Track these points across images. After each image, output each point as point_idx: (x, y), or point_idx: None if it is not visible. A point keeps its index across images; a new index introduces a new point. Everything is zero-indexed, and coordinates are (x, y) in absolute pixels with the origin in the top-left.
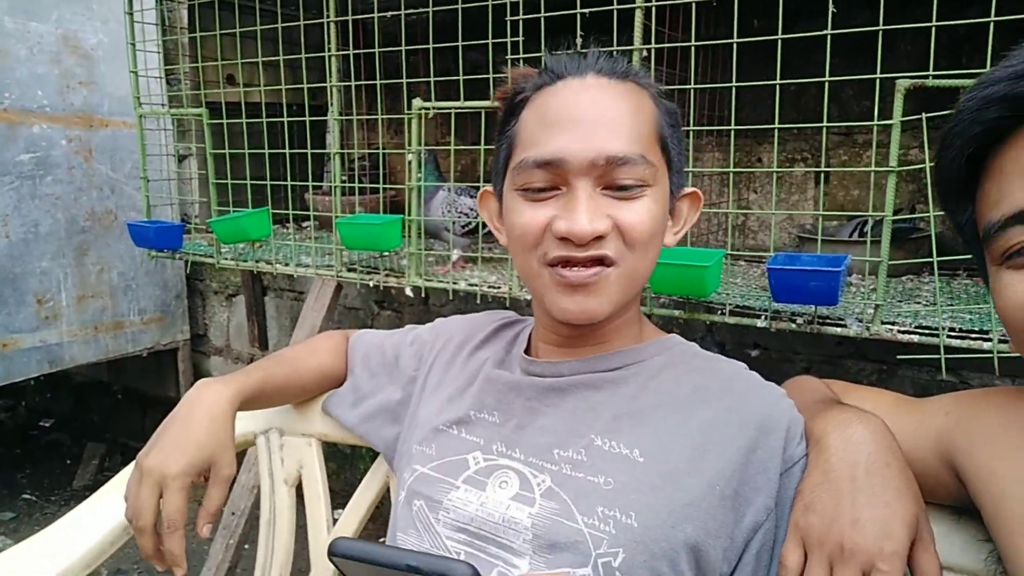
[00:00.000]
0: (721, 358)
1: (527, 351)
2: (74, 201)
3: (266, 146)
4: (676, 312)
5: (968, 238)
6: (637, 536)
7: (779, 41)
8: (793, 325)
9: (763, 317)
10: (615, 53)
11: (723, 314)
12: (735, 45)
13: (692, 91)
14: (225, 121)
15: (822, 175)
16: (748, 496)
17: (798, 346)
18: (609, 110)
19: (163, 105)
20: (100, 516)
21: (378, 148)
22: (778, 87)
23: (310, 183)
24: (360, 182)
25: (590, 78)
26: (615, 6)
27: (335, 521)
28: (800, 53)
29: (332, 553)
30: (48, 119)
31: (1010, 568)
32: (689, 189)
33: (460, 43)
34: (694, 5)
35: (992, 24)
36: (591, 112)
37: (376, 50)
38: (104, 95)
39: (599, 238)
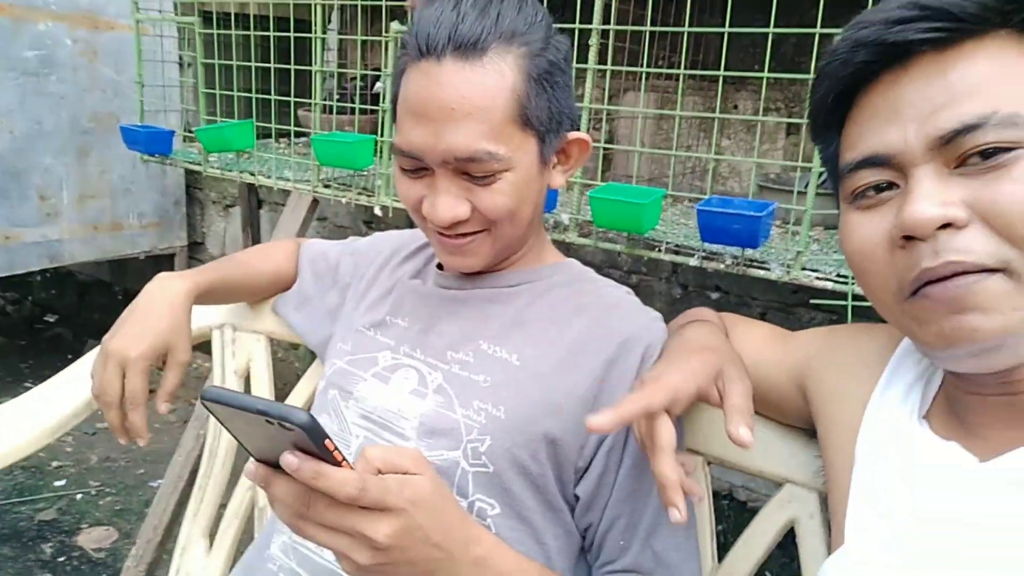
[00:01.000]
0: (610, 283)
1: (440, 266)
2: (78, 101)
3: (253, 59)
4: (618, 247)
5: (831, 174)
6: (502, 426)
7: None
8: (722, 265)
9: (695, 256)
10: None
11: (659, 251)
12: None
13: (672, 34)
14: (216, 32)
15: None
16: (605, 402)
17: (755, 292)
18: (457, 107)
19: (159, 12)
20: (65, 391)
21: (374, 70)
22: (771, 36)
23: (292, 99)
24: (352, 102)
25: (447, 62)
26: None
27: None
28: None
29: (203, 398)
30: (54, 17)
31: (827, 479)
32: (576, 135)
33: None
34: None
35: None
36: (441, 110)
37: None
38: None
39: (463, 221)
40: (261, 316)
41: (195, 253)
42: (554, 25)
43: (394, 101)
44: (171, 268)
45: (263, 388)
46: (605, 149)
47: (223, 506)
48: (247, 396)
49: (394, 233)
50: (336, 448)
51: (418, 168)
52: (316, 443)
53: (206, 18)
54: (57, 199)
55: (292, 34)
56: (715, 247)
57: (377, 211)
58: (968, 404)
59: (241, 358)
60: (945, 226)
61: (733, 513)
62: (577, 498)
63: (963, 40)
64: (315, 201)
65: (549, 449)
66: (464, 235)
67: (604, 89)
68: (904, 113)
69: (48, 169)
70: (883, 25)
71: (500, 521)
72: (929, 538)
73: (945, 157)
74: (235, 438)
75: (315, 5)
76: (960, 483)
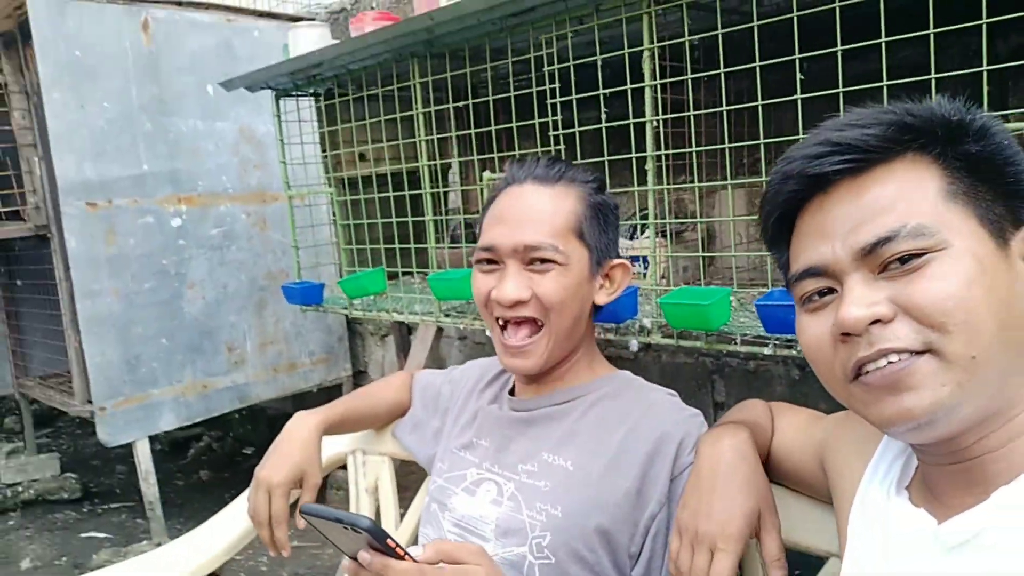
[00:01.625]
0: (653, 388)
1: (511, 391)
2: (253, 264)
3: (379, 215)
4: (698, 343)
5: (786, 280)
6: (560, 523)
7: (759, 107)
8: (795, 351)
9: (769, 345)
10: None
11: (736, 344)
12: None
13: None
14: (348, 197)
15: None
16: (648, 493)
17: None
18: (531, 211)
19: (306, 186)
20: (233, 520)
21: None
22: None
23: (412, 245)
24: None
25: (527, 184)
26: (629, 86)
27: (401, 517)
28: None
29: (301, 512)
30: (231, 199)
31: (840, 544)
32: (618, 261)
33: (514, 124)
34: (689, 83)
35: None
36: (517, 213)
37: (451, 134)
38: (273, 175)
39: (522, 302)
40: (384, 440)
41: (360, 381)
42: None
43: (481, 221)
44: (340, 395)
45: (388, 501)
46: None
47: None
48: (329, 508)
49: (479, 362)
50: (398, 545)
51: (491, 261)
52: (380, 542)
53: (351, 184)
54: (242, 349)
55: (407, 192)
56: (791, 335)
57: (488, 333)
58: (931, 473)
59: (371, 477)
60: (875, 322)
61: None
62: None
63: (873, 167)
64: (439, 329)
65: (602, 539)
66: (522, 325)
67: (698, 191)
68: (831, 231)
69: (234, 325)
70: (804, 160)
71: None
72: None
73: (870, 264)
74: (330, 542)
75: (423, 167)
76: (922, 546)
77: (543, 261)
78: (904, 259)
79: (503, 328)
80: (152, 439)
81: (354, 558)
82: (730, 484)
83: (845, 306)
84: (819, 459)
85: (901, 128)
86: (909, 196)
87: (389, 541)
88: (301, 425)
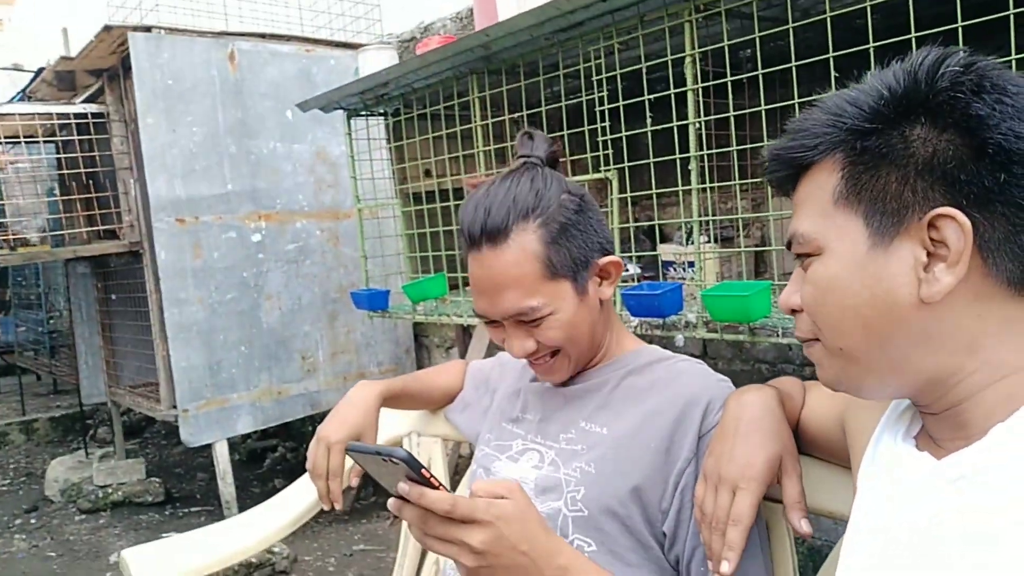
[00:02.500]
0: (681, 357)
1: None
2: (326, 278)
3: (441, 225)
4: (741, 336)
5: None
6: (593, 479)
7: (796, 105)
8: None
9: None
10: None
11: (778, 336)
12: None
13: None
14: (413, 208)
15: None
16: (675, 451)
17: None
18: (499, 279)
19: (375, 199)
20: (298, 495)
21: None
22: None
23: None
24: None
25: (485, 250)
26: (672, 90)
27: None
28: None
29: (347, 450)
30: (306, 216)
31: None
32: (608, 259)
33: (566, 132)
34: (730, 84)
35: None
36: (489, 285)
37: (507, 144)
38: (346, 194)
39: (534, 352)
40: (437, 423)
41: None
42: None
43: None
44: None
45: (441, 478)
46: (752, 251)
47: None
48: (369, 445)
49: None
50: (432, 476)
51: (493, 322)
52: (415, 472)
53: (417, 197)
54: (315, 358)
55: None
56: None
57: None
58: (926, 421)
59: (424, 457)
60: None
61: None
62: (664, 535)
63: (808, 168)
64: None
65: (634, 496)
66: (543, 358)
67: (750, 199)
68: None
69: (307, 334)
70: (767, 163)
71: (596, 557)
72: (904, 543)
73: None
74: (374, 479)
75: (482, 176)
76: (925, 482)
77: (533, 321)
78: (802, 258)
79: None
80: (231, 449)
81: (398, 497)
82: (753, 431)
83: (783, 293)
84: (840, 424)
85: (812, 135)
86: (809, 200)
87: (424, 472)
88: (363, 391)
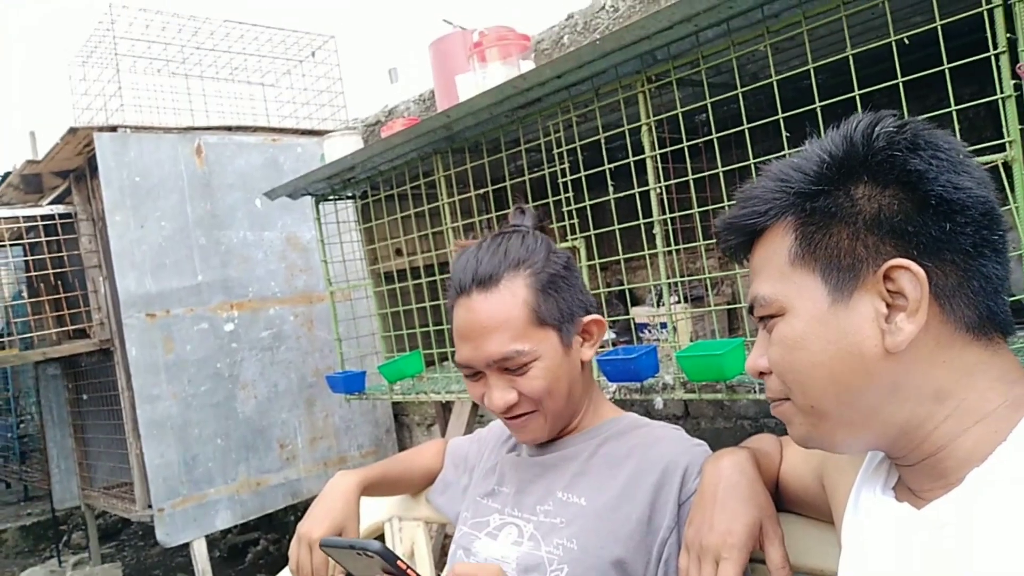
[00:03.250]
0: (659, 424)
1: None
2: (302, 363)
3: (414, 303)
4: (720, 395)
5: None
6: (575, 556)
7: (752, 165)
8: None
9: None
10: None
11: (755, 392)
12: (720, 174)
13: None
14: (385, 288)
15: None
16: (657, 521)
17: None
18: (486, 323)
19: (347, 282)
20: None
21: None
22: None
23: (445, 327)
24: None
25: (474, 295)
26: (631, 158)
27: None
28: None
29: (321, 546)
30: (279, 302)
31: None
32: (591, 317)
33: (530, 205)
34: (686, 149)
35: None
36: (476, 329)
37: (475, 218)
38: (318, 278)
39: (514, 404)
40: (419, 506)
41: None
42: (552, 244)
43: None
44: None
45: (425, 564)
46: (724, 309)
47: None
48: (344, 539)
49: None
50: (409, 567)
51: (475, 373)
52: (391, 564)
53: (388, 277)
54: (293, 445)
55: (438, 277)
56: None
57: None
58: (902, 472)
59: (407, 542)
60: (762, 373)
61: None
62: None
63: (761, 233)
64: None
65: (618, 569)
66: (521, 416)
67: (717, 259)
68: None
69: (285, 422)
70: (719, 234)
71: None
72: None
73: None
74: (352, 574)
75: (451, 253)
76: (907, 532)
77: (516, 368)
78: (766, 320)
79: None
80: (211, 546)
81: None
82: (730, 498)
83: (750, 357)
84: (819, 479)
85: (762, 201)
86: (767, 264)
87: (400, 563)
88: (341, 482)
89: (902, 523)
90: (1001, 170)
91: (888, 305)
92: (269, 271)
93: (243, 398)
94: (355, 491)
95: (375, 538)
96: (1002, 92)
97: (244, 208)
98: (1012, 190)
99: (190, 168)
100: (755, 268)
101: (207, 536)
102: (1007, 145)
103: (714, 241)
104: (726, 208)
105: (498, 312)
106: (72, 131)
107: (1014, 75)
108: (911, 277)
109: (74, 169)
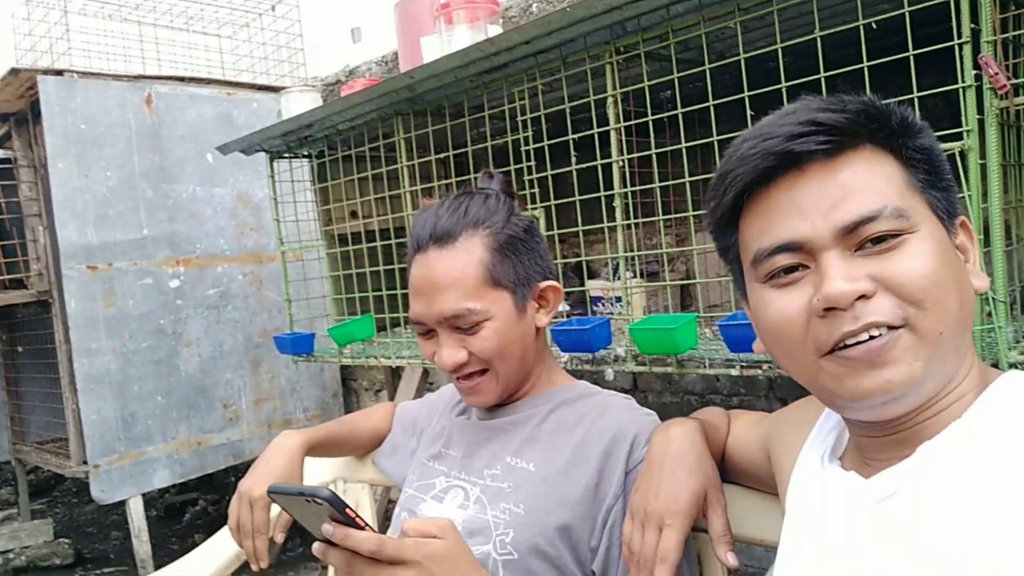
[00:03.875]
0: (609, 393)
1: None
2: (249, 323)
3: (367, 266)
4: (670, 369)
5: (731, 261)
6: (522, 520)
7: (715, 142)
8: (760, 372)
9: (736, 366)
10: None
11: (705, 367)
12: (683, 149)
13: (680, 184)
14: (338, 250)
15: None
16: (604, 488)
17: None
18: (440, 279)
19: (299, 242)
20: (217, 549)
21: None
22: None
23: (399, 291)
24: None
25: (431, 251)
26: (595, 129)
27: None
28: None
29: (268, 492)
30: (228, 260)
31: None
32: (547, 283)
33: (491, 169)
34: (651, 123)
35: None
36: (429, 284)
37: (435, 183)
38: (269, 237)
39: (463, 364)
40: (365, 468)
41: None
42: (515, 206)
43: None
44: None
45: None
46: (676, 286)
47: None
48: (291, 485)
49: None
50: (357, 516)
51: (427, 331)
52: (340, 512)
53: (341, 240)
54: (237, 405)
55: (393, 241)
56: (758, 357)
57: None
58: (863, 443)
59: (352, 504)
60: (860, 297)
61: None
62: (594, 574)
63: (844, 151)
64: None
65: (563, 535)
66: (471, 376)
67: (674, 235)
68: (808, 208)
69: (229, 382)
70: (786, 138)
71: None
72: (836, 556)
73: (848, 243)
74: (299, 522)
75: (407, 217)
76: (853, 502)
77: (467, 328)
78: (878, 239)
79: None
80: (148, 505)
81: (323, 540)
82: (678, 466)
83: (830, 280)
84: (765, 450)
85: (869, 116)
86: (880, 180)
87: (348, 511)
88: (285, 442)
89: (850, 492)
90: (957, 158)
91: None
92: (218, 228)
93: (186, 356)
94: (299, 451)
95: None
96: (963, 81)
97: (195, 162)
98: (967, 178)
99: (139, 118)
100: (851, 183)
101: (144, 495)
102: (965, 134)
103: (673, 216)
104: (687, 184)
105: (452, 269)
106: (14, 72)
107: (975, 65)
108: (967, 233)
109: (15, 113)
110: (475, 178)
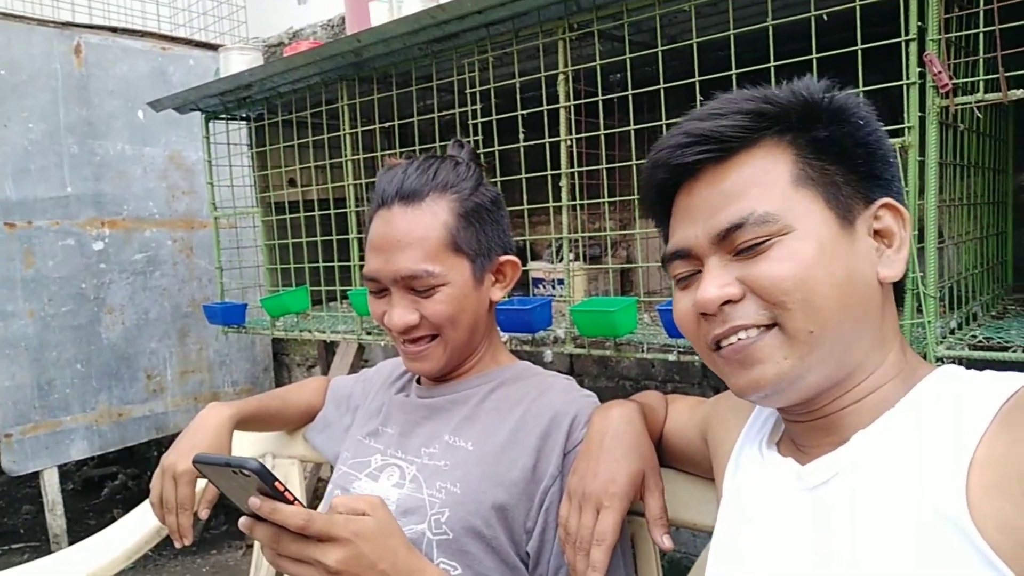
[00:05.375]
0: (551, 374)
1: (419, 380)
2: (178, 291)
3: (304, 236)
4: (607, 352)
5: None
6: (458, 500)
7: (664, 126)
8: (696, 359)
9: (674, 352)
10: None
11: (643, 351)
12: (632, 131)
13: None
14: (275, 218)
15: None
16: (542, 468)
17: None
18: (401, 237)
19: (233, 208)
20: (136, 523)
21: None
22: None
23: (336, 264)
24: None
25: (395, 207)
26: (545, 107)
27: None
28: None
29: (194, 462)
30: (157, 224)
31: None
32: (507, 258)
33: (437, 144)
34: (600, 104)
35: None
36: (390, 241)
37: (377, 153)
38: (202, 202)
39: (413, 326)
40: (295, 444)
41: None
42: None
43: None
44: None
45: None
46: (618, 269)
47: None
48: (218, 455)
49: (391, 360)
50: (286, 490)
51: (380, 289)
52: (268, 485)
53: (278, 208)
54: (162, 377)
55: (332, 211)
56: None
57: None
58: (793, 429)
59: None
60: (727, 302)
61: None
62: (528, 555)
63: (735, 153)
64: (361, 347)
65: (499, 515)
66: (419, 340)
67: (617, 220)
68: (695, 215)
69: (154, 352)
70: (670, 150)
71: None
72: (775, 540)
73: (726, 247)
74: (225, 496)
75: (348, 187)
76: (788, 488)
77: (422, 291)
78: (750, 245)
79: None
80: (64, 478)
81: (250, 515)
82: (616, 448)
83: (701, 288)
84: (703, 435)
85: (757, 116)
86: (761, 182)
87: (277, 484)
88: (213, 414)
89: (786, 479)
90: (898, 154)
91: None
92: (147, 189)
93: (109, 323)
94: (227, 424)
95: None
96: (908, 78)
97: (124, 118)
98: (905, 175)
99: (66, 68)
100: (729, 189)
101: (60, 467)
102: (905, 131)
103: (618, 199)
104: (634, 167)
105: (416, 228)
106: None
107: (920, 63)
108: (896, 215)
109: None
110: (420, 150)
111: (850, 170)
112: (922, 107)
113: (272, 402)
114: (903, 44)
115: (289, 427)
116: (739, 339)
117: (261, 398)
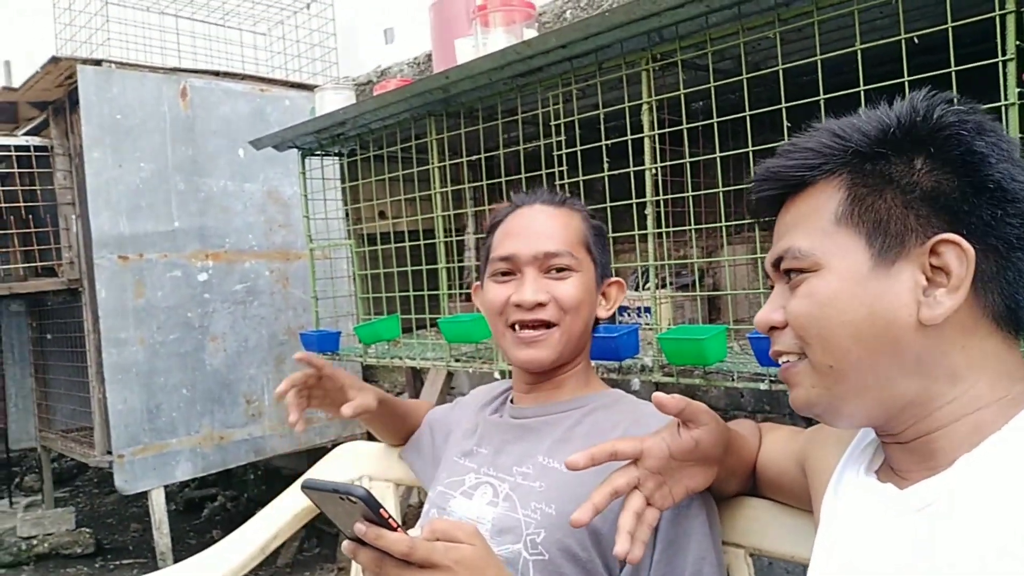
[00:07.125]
0: (644, 403)
1: (511, 400)
2: (275, 320)
3: (395, 266)
4: (696, 380)
5: None
6: (553, 521)
7: (750, 153)
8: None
9: (765, 381)
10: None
11: (732, 380)
12: (718, 159)
13: (720, 193)
14: (367, 249)
15: None
16: None
17: None
18: (546, 224)
19: (328, 240)
20: (238, 545)
21: None
22: None
23: (426, 293)
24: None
25: (536, 206)
26: (629, 136)
27: None
28: None
29: (302, 487)
30: (256, 256)
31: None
32: (613, 280)
33: (523, 175)
34: (685, 132)
35: None
36: (533, 226)
37: (465, 185)
38: (297, 234)
39: (541, 305)
40: (391, 467)
41: (373, 437)
42: None
43: (488, 243)
44: None
45: None
46: (705, 296)
47: None
48: (327, 480)
49: (486, 386)
50: (391, 516)
51: (507, 272)
52: (374, 512)
53: (369, 239)
54: (260, 402)
55: (422, 242)
56: None
57: (496, 375)
58: (890, 452)
59: None
60: (773, 328)
61: None
62: None
63: (804, 187)
64: (449, 374)
65: (593, 538)
66: (538, 326)
67: (704, 247)
68: (775, 238)
69: (252, 378)
70: (754, 183)
71: None
72: (872, 565)
73: (781, 276)
74: (331, 520)
75: (437, 218)
76: (887, 513)
77: (561, 269)
78: (790, 275)
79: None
80: (167, 498)
81: (353, 539)
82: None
83: (762, 310)
84: (800, 465)
85: (816, 154)
86: (806, 219)
87: (383, 512)
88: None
89: (885, 504)
90: None
91: (927, 279)
92: (247, 223)
93: (212, 350)
94: (373, 393)
95: None
96: (1006, 99)
97: (226, 156)
98: None
99: (174, 110)
100: (789, 222)
101: (165, 487)
102: None
103: (704, 226)
104: (720, 195)
105: (559, 220)
106: (54, 60)
107: (1019, 82)
108: (959, 254)
109: (53, 101)
110: (506, 182)
111: (909, 203)
112: (1022, 128)
113: (398, 406)
114: (1000, 64)
115: (401, 433)
116: (783, 362)
117: (395, 399)
